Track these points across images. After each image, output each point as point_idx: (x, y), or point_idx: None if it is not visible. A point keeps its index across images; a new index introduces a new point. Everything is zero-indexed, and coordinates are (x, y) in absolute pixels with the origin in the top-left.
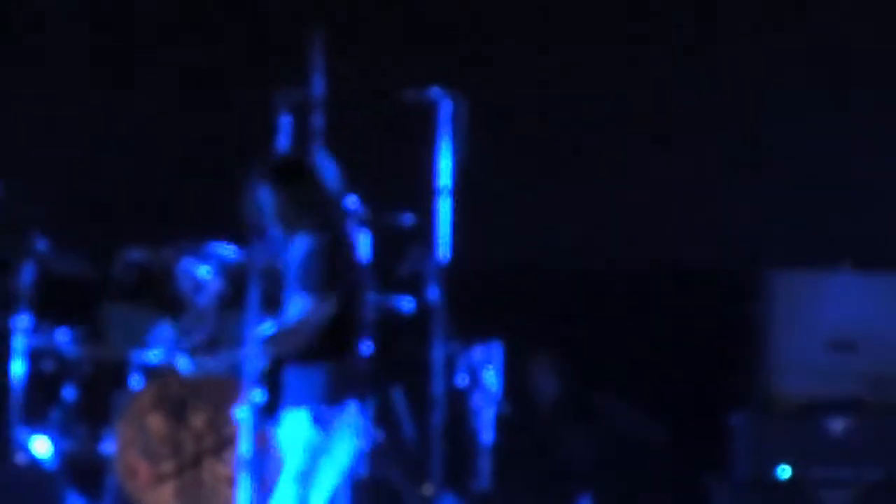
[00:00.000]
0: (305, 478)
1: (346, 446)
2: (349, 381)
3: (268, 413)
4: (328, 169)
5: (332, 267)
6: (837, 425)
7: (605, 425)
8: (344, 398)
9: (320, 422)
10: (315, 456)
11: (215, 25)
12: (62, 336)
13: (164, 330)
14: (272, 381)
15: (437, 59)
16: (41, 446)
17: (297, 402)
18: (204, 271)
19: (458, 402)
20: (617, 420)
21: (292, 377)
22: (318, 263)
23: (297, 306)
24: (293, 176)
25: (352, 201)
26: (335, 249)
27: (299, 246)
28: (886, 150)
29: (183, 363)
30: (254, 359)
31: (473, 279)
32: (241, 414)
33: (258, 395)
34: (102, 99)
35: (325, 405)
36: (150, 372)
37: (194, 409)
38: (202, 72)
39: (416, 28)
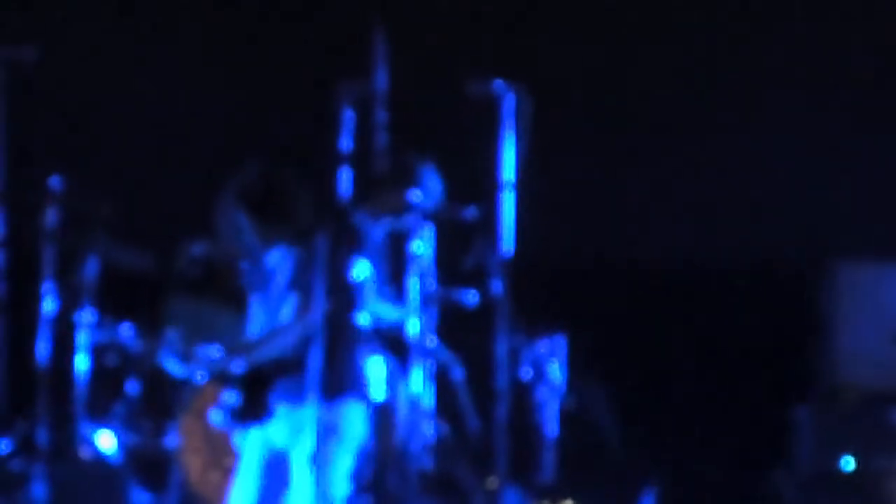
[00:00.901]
0: (321, 460)
1: (356, 430)
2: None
3: (244, 415)
4: (429, 179)
5: (321, 273)
6: None
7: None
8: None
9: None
10: (327, 439)
11: (279, 21)
12: (126, 331)
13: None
14: (253, 383)
15: (501, 52)
16: (105, 441)
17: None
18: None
19: (523, 395)
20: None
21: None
22: (308, 270)
23: (289, 309)
24: (260, 198)
25: (415, 195)
26: (319, 256)
27: (281, 256)
28: None
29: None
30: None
31: (538, 273)
32: (215, 417)
33: (231, 398)
34: (167, 95)
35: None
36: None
37: None
38: (267, 67)
39: (479, 21)
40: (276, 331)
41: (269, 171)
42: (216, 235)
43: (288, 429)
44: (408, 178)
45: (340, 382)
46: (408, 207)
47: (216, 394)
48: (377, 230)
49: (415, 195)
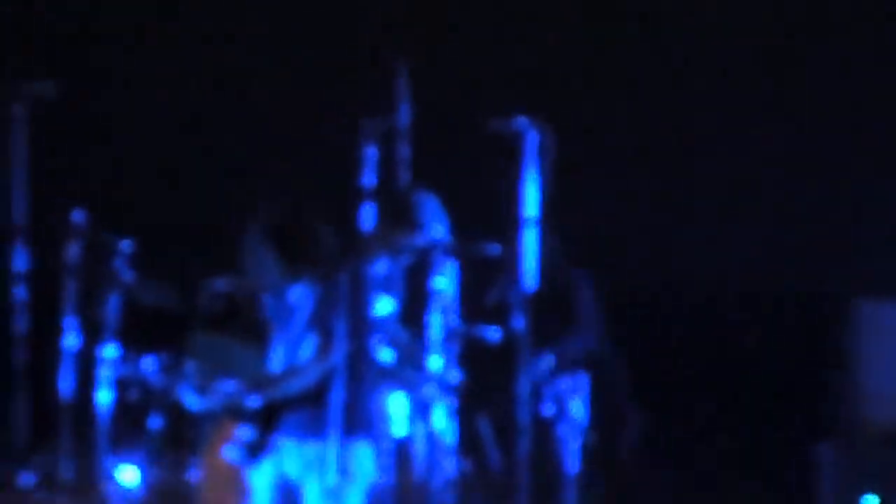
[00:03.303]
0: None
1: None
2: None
3: (257, 451)
4: (426, 203)
5: (342, 312)
6: None
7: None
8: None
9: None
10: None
11: (302, 55)
12: (148, 365)
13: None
14: (266, 419)
15: (524, 89)
16: (128, 475)
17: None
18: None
19: (545, 431)
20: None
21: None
22: (328, 309)
23: (309, 348)
24: (285, 234)
25: (438, 231)
26: (340, 295)
27: (304, 292)
28: None
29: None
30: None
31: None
32: (230, 453)
33: (246, 433)
34: (189, 132)
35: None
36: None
37: None
38: (289, 102)
39: (501, 58)
40: (294, 369)
41: (293, 208)
42: (241, 271)
43: (300, 463)
44: (404, 215)
45: (353, 421)
46: (404, 245)
47: (232, 429)
48: (379, 267)
49: (412, 234)
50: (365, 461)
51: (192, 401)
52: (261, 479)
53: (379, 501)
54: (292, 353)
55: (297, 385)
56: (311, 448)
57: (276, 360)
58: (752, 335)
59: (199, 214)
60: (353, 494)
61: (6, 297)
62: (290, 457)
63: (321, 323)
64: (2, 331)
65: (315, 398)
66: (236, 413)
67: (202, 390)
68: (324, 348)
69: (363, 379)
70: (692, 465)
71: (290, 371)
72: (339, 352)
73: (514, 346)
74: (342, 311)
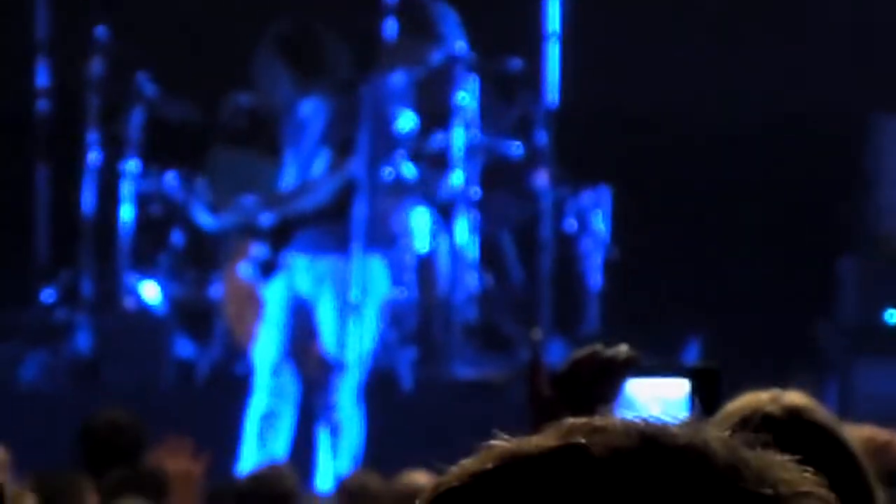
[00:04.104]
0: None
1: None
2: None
3: (270, 268)
4: (445, 14)
5: (355, 127)
6: None
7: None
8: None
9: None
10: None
11: None
12: (171, 181)
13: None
14: (279, 236)
15: None
16: (150, 291)
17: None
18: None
19: (567, 246)
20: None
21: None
22: (342, 123)
23: (322, 163)
24: (296, 47)
25: (460, 47)
26: (353, 112)
27: (315, 107)
28: None
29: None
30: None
31: (582, 124)
32: (245, 270)
33: (260, 250)
34: None
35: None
36: None
37: None
38: None
39: None
40: (306, 185)
41: (305, 22)
42: (253, 85)
43: (311, 278)
44: (424, 27)
45: (367, 236)
46: (425, 56)
47: (247, 247)
48: (398, 80)
49: (432, 45)
50: (379, 276)
51: (204, 219)
52: (274, 296)
53: (401, 316)
54: (305, 168)
55: (310, 201)
56: (324, 263)
57: (289, 176)
58: (773, 153)
59: (223, 29)
60: (368, 309)
61: (29, 113)
62: (301, 273)
63: (334, 137)
64: (25, 146)
65: (328, 213)
66: (249, 230)
67: (215, 208)
68: (336, 163)
69: (378, 193)
70: (714, 281)
71: (303, 187)
72: (354, 166)
73: (535, 161)
74: (357, 125)
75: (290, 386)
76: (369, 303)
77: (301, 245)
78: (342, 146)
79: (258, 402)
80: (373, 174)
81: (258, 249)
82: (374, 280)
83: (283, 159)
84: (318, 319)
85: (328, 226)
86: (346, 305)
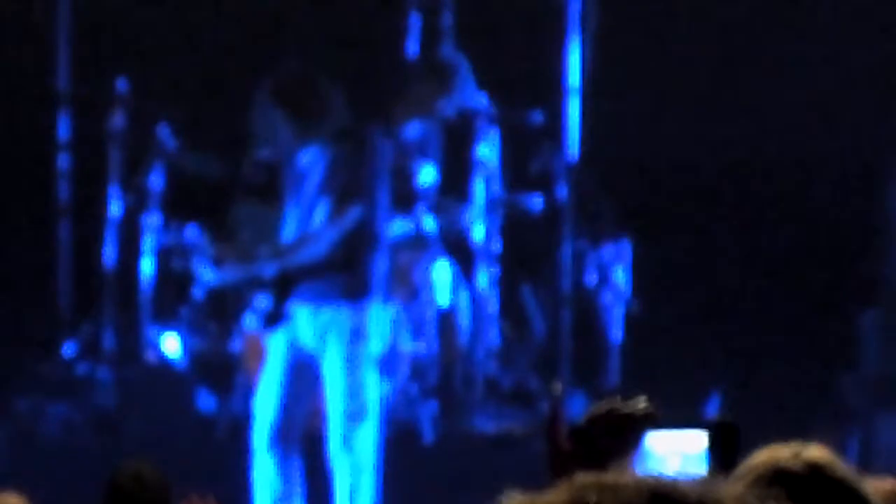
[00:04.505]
0: (354, 364)
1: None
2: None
3: (272, 320)
4: (460, 68)
5: (355, 176)
6: None
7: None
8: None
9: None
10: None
11: None
12: (191, 234)
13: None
14: (281, 287)
15: None
16: (171, 344)
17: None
18: None
19: (587, 300)
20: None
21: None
22: (341, 172)
23: (322, 213)
24: (295, 95)
25: (480, 100)
26: (356, 158)
27: (315, 155)
28: None
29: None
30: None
31: (603, 177)
32: (249, 321)
33: (263, 302)
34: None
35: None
36: None
37: None
38: None
39: None
40: (308, 235)
41: (304, 70)
42: (252, 133)
43: (314, 330)
44: (438, 76)
45: (366, 285)
46: (438, 105)
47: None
48: (413, 129)
49: (445, 95)
50: (380, 325)
51: (207, 274)
52: (276, 348)
53: (422, 369)
54: (306, 218)
55: (311, 251)
56: (328, 314)
57: (290, 226)
58: (797, 202)
59: (244, 82)
60: (367, 360)
61: (50, 166)
62: (304, 324)
63: (334, 186)
64: (46, 200)
65: (332, 263)
66: (254, 282)
67: (217, 262)
68: (336, 212)
69: (378, 242)
70: (737, 333)
71: (304, 238)
72: (353, 215)
73: (556, 215)
74: (357, 173)
75: (295, 470)
76: (369, 353)
77: (304, 295)
78: (342, 195)
79: (263, 469)
80: (388, 227)
81: (260, 301)
82: (375, 329)
83: (284, 209)
84: (323, 372)
85: (332, 276)
86: (354, 356)
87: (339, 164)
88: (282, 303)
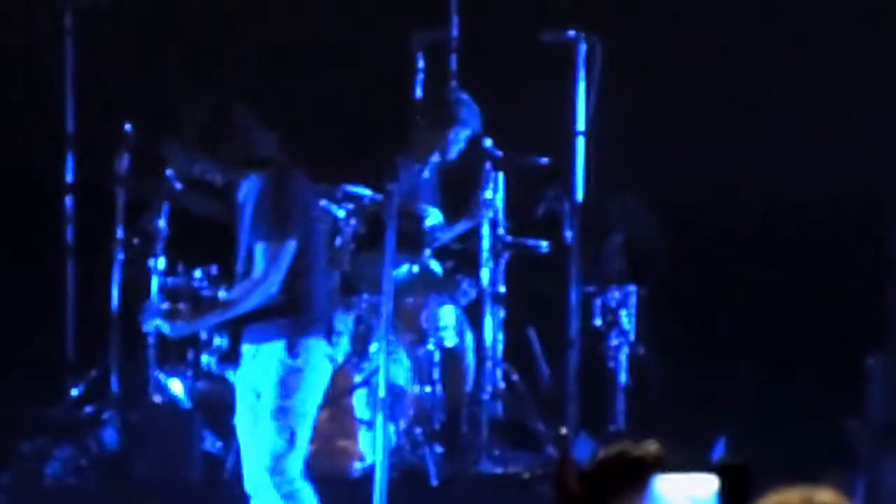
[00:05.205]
0: (284, 412)
1: (319, 377)
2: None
3: (230, 359)
4: (468, 110)
5: (284, 206)
6: None
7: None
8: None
9: (293, 353)
10: (291, 388)
11: None
12: (198, 276)
13: None
14: (234, 328)
15: (576, 1)
16: (177, 386)
17: (269, 337)
18: (341, 213)
19: (594, 343)
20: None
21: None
22: (268, 205)
23: (259, 257)
24: (205, 127)
25: (487, 143)
26: (282, 188)
27: (248, 189)
28: None
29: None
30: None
31: (608, 219)
32: (208, 361)
33: (221, 341)
34: (237, 40)
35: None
36: None
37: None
38: (334, 11)
39: None
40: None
41: (218, 102)
42: (169, 162)
43: (258, 371)
44: (444, 115)
45: (305, 322)
46: (448, 144)
47: None
48: (418, 172)
49: (450, 131)
50: (318, 362)
51: (163, 327)
52: (237, 385)
53: (428, 412)
54: (243, 260)
55: (239, 311)
56: (267, 350)
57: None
58: (803, 244)
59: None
60: (306, 384)
61: (56, 209)
62: (248, 366)
63: (262, 218)
64: (51, 242)
65: (270, 307)
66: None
67: (169, 316)
68: (270, 256)
69: (315, 273)
70: (743, 377)
71: (229, 302)
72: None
73: (563, 258)
74: (284, 204)
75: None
76: (309, 391)
77: (248, 336)
78: (269, 224)
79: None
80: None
81: (218, 340)
82: (312, 359)
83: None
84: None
85: (272, 318)
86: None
87: (266, 195)
88: (236, 342)
